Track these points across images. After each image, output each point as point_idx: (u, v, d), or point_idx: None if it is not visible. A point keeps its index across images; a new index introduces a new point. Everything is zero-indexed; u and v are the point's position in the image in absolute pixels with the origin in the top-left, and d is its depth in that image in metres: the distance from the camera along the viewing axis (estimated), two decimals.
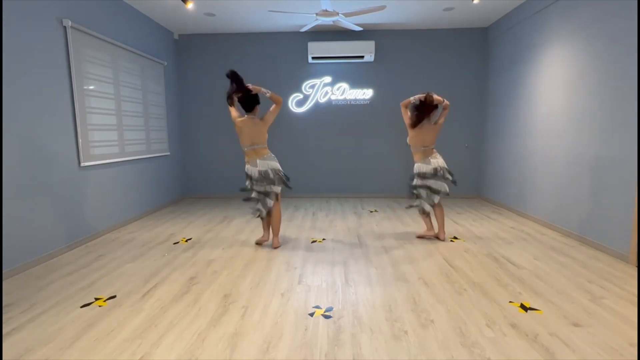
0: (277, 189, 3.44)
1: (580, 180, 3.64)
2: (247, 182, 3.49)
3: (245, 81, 3.34)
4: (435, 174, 3.55)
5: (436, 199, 3.60)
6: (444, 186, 3.59)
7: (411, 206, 3.74)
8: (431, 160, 3.57)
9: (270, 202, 3.45)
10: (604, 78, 3.33)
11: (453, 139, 5.91)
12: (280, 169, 3.48)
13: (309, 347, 1.91)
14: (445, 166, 3.60)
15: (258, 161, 3.38)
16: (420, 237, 3.82)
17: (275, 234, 3.59)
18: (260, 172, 3.38)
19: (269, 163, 3.39)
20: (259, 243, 3.64)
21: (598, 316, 2.20)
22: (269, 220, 3.60)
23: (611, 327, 2.08)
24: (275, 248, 3.56)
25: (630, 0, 3.02)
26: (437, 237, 3.77)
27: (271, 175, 3.38)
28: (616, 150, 3.20)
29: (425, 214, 3.69)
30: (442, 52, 5.82)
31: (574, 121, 3.75)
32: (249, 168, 3.44)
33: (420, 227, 4.20)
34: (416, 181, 3.65)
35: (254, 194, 3.49)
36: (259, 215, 3.52)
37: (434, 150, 3.63)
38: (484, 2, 4.60)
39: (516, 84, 4.87)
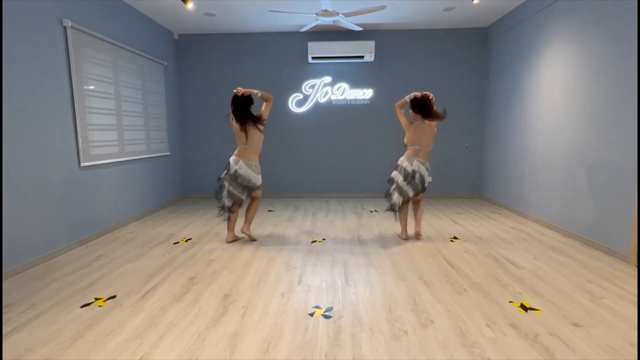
0: (242, 196, 3.59)
1: (581, 181, 3.64)
2: (224, 173, 3.57)
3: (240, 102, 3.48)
4: (413, 176, 3.51)
5: (398, 198, 3.56)
6: (409, 192, 3.54)
7: (390, 207, 3.69)
8: (415, 161, 3.53)
9: (228, 203, 3.56)
10: (605, 78, 3.33)
11: (453, 139, 5.91)
12: (258, 182, 3.60)
13: (309, 347, 1.91)
14: (425, 176, 3.53)
15: (241, 161, 3.50)
16: (404, 238, 3.78)
17: (249, 222, 3.74)
18: (237, 172, 3.49)
19: (251, 173, 3.52)
20: (234, 240, 3.76)
21: (598, 316, 2.20)
22: (234, 219, 3.71)
23: (611, 327, 2.08)
24: (243, 233, 3.73)
25: (630, 1, 3.02)
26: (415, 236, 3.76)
27: (244, 183, 3.53)
28: (616, 150, 3.20)
29: (394, 210, 3.64)
30: (442, 52, 5.82)
31: (574, 121, 3.75)
32: (230, 162, 3.54)
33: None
34: (393, 173, 3.65)
35: (226, 187, 3.55)
36: (223, 209, 3.62)
37: (428, 155, 3.59)
38: (484, 2, 4.60)
39: (516, 83, 4.87)
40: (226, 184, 3.55)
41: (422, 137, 3.54)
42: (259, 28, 5.66)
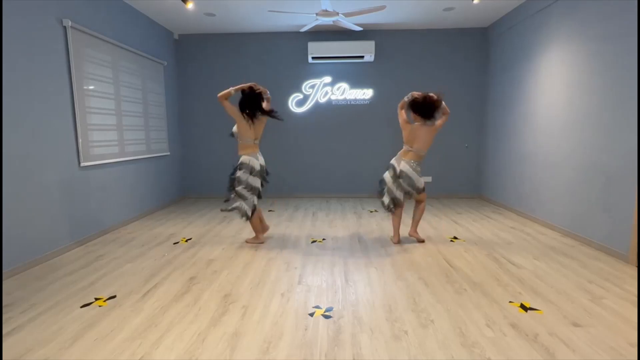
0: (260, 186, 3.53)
1: (580, 180, 3.64)
2: (241, 173, 3.38)
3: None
4: (399, 177, 3.43)
5: (387, 198, 3.51)
6: (396, 192, 3.45)
7: (386, 208, 3.61)
8: (403, 162, 3.45)
9: (256, 200, 3.49)
10: (604, 78, 3.33)
11: (453, 139, 5.91)
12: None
13: (309, 347, 1.91)
14: (414, 178, 3.40)
15: (259, 156, 3.52)
16: (395, 242, 3.69)
17: (264, 230, 3.79)
18: (262, 167, 3.48)
19: (263, 162, 3.54)
20: (261, 242, 3.73)
21: (598, 316, 2.20)
22: (258, 219, 3.67)
23: (611, 327, 2.08)
24: (248, 243, 3.69)
25: (630, 1, 3.03)
26: (416, 238, 3.66)
27: (264, 174, 3.54)
28: (616, 150, 3.20)
29: (389, 210, 3.58)
30: (442, 52, 5.82)
31: (574, 121, 3.75)
32: (252, 160, 3.40)
33: (419, 227, 4.20)
34: (385, 173, 3.58)
35: (241, 189, 3.39)
36: (247, 219, 3.50)
37: (419, 157, 3.46)
38: (484, 2, 4.60)
39: (516, 83, 4.87)
40: (243, 188, 3.41)
41: (416, 139, 3.44)
42: (259, 28, 5.66)
